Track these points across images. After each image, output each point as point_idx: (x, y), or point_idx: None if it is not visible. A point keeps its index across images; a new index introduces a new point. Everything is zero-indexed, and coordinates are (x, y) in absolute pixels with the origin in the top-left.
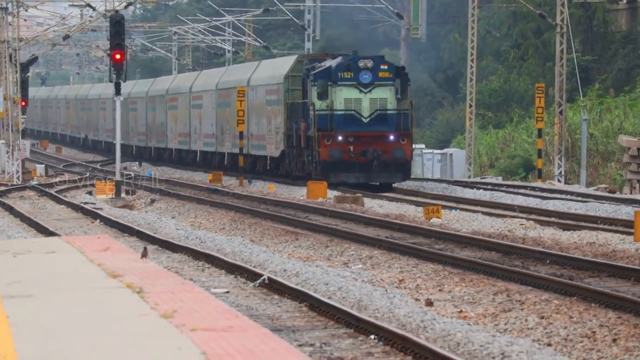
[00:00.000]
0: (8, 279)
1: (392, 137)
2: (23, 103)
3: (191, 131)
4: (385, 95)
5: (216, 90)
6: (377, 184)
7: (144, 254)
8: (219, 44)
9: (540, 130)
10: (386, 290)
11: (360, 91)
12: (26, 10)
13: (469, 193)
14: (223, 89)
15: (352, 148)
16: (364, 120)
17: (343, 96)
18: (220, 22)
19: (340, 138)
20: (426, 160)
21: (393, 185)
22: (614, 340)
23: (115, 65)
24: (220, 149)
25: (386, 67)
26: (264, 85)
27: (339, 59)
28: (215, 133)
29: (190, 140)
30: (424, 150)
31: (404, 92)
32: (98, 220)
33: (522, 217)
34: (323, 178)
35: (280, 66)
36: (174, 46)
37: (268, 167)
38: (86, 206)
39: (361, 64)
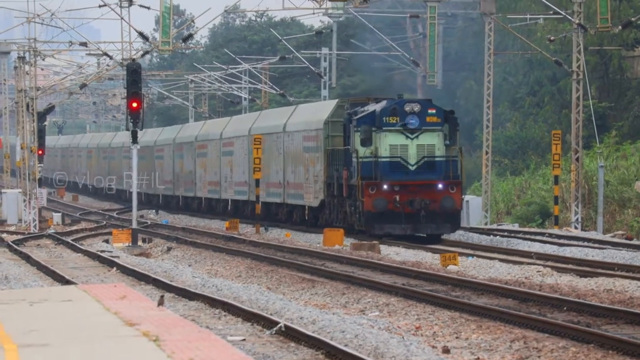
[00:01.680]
0: (24, 328)
1: (440, 186)
2: (40, 152)
3: (221, 179)
4: (433, 141)
5: (249, 136)
6: (424, 235)
7: (161, 302)
8: (235, 92)
9: (556, 177)
10: (403, 338)
11: (407, 137)
12: (43, 60)
13: (485, 240)
14: (257, 134)
15: (398, 197)
16: (410, 167)
17: (388, 142)
18: (237, 69)
19: (385, 187)
20: None
21: (442, 237)
22: None
23: (131, 114)
24: (253, 198)
25: (434, 111)
26: (302, 131)
27: (383, 103)
28: (248, 181)
29: (221, 188)
30: None
31: (453, 138)
32: (115, 269)
33: (539, 264)
34: (367, 229)
35: (319, 111)
36: (191, 94)
37: (306, 218)
38: (103, 254)
39: (407, 108)
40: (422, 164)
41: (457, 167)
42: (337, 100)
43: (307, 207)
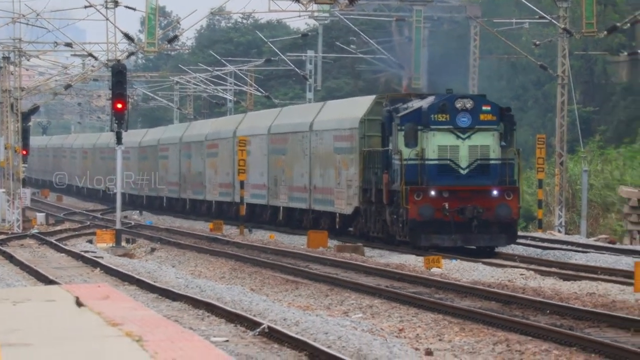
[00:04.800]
0: (7, 327)
1: (495, 192)
2: (24, 152)
3: (235, 181)
4: (488, 142)
5: (268, 134)
6: (475, 247)
7: (79, 303)
8: (220, 94)
9: (540, 181)
10: (386, 340)
11: (458, 137)
12: (28, 60)
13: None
14: (278, 133)
15: (447, 205)
16: (461, 171)
17: (436, 143)
18: (222, 72)
19: (433, 193)
20: None
21: (495, 250)
22: None
23: (116, 115)
24: (273, 202)
25: (489, 108)
26: (332, 130)
27: (431, 99)
28: (267, 184)
29: (234, 191)
30: None
31: (509, 138)
32: (98, 269)
33: (522, 267)
34: (411, 240)
35: (353, 108)
36: (176, 96)
37: (337, 226)
38: (86, 254)
39: (459, 104)
40: (474, 167)
41: (514, 171)
42: (374, 96)
43: (338, 214)
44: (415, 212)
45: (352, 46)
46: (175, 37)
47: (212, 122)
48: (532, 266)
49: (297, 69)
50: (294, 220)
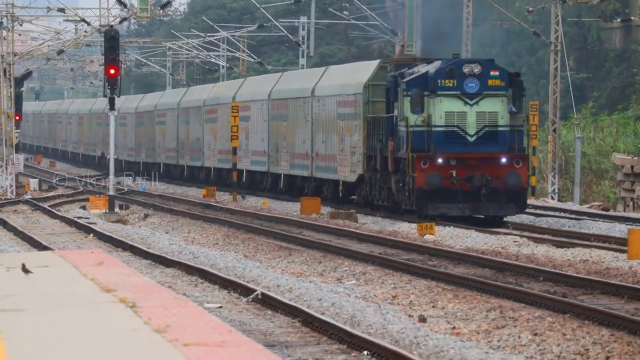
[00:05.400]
0: (0, 293)
1: (504, 160)
2: (17, 117)
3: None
4: (496, 108)
5: (269, 100)
6: (483, 217)
7: (25, 270)
8: (213, 60)
9: (534, 148)
10: (379, 306)
11: (465, 103)
12: (21, 25)
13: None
14: (278, 99)
15: (454, 173)
16: (469, 138)
17: (444, 109)
18: (215, 37)
19: (440, 161)
20: None
21: (504, 219)
22: (607, 358)
23: (109, 80)
24: (274, 169)
25: (497, 73)
26: (335, 96)
27: (437, 64)
28: (268, 150)
29: None
30: None
31: (518, 104)
32: (92, 235)
33: (515, 234)
34: (418, 209)
35: (356, 73)
36: (168, 61)
37: (340, 194)
38: (80, 221)
39: (466, 69)
40: (482, 134)
41: (523, 138)
42: (378, 60)
43: (341, 182)
44: (422, 181)
45: (345, 12)
46: (168, 3)
47: (210, 87)
48: (526, 233)
49: (290, 35)
50: (295, 188)
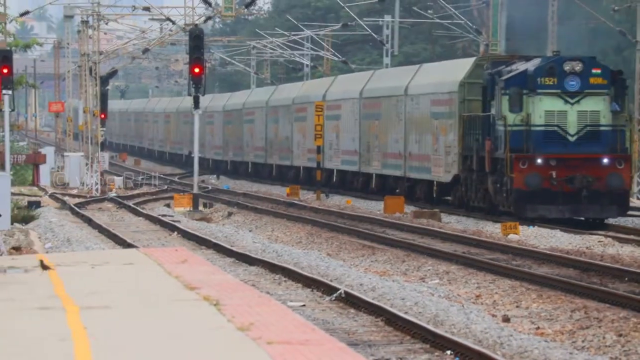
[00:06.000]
0: (86, 290)
1: (606, 161)
2: (102, 116)
3: (325, 146)
4: (598, 106)
5: (360, 99)
6: (584, 219)
7: (43, 266)
8: (297, 59)
9: None
10: (463, 306)
11: (566, 102)
12: (107, 24)
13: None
14: (370, 97)
15: (554, 174)
16: (570, 138)
17: (543, 108)
18: (299, 36)
19: (539, 161)
20: None
21: (605, 221)
22: None
23: (194, 79)
24: (365, 169)
25: (599, 71)
26: (429, 95)
27: (537, 61)
28: (359, 150)
29: (324, 157)
30: None
31: (621, 103)
32: (176, 233)
33: (600, 234)
34: (516, 211)
35: (451, 71)
36: (253, 60)
37: (434, 195)
38: (164, 218)
39: (567, 67)
40: (584, 134)
41: (625, 138)
42: (474, 58)
43: (435, 182)
44: (521, 181)
45: (429, 11)
46: (253, 2)
47: (300, 85)
48: (611, 233)
49: (374, 34)
50: (387, 188)
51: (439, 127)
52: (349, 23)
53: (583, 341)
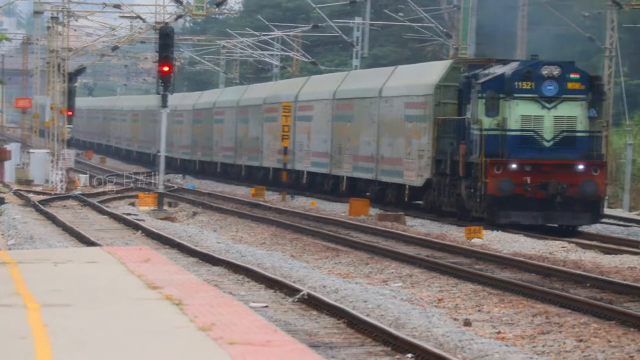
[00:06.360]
0: (48, 288)
1: (581, 167)
2: (69, 113)
3: (295, 148)
4: (575, 112)
5: (333, 100)
6: (557, 226)
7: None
8: (266, 59)
9: None
10: (425, 309)
11: (543, 107)
12: (76, 21)
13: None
14: (343, 99)
15: (529, 180)
16: (545, 144)
17: (519, 112)
18: (269, 37)
19: (513, 166)
20: None
21: (578, 229)
22: None
23: (162, 77)
24: (336, 172)
25: (577, 76)
26: (403, 97)
27: (514, 65)
28: (330, 152)
29: (295, 158)
30: None
31: (598, 109)
32: (139, 232)
33: (563, 240)
34: (489, 217)
35: (426, 73)
36: (222, 60)
37: (406, 199)
38: (128, 217)
39: (545, 71)
40: (559, 139)
41: (601, 144)
42: (450, 61)
43: (407, 186)
44: (495, 187)
45: (400, 14)
46: (223, 1)
47: (271, 85)
48: (573, 239)
49: (344, 36)
50: (357, 191)
51: (413, 130)
52: (319, 24)
53: (543, 346)
